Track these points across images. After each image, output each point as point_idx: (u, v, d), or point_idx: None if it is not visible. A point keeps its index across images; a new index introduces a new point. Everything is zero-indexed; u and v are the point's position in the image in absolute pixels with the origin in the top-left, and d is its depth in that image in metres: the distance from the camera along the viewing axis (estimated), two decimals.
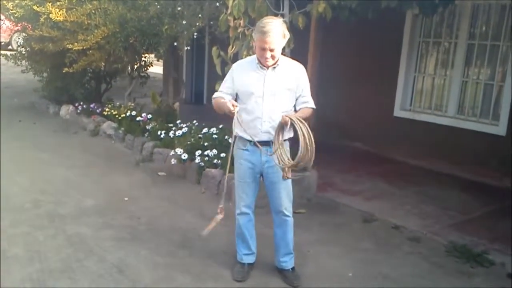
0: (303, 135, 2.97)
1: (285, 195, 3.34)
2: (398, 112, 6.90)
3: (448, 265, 3.83)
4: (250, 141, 3.25)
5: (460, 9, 6.21)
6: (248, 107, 3.20)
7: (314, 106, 3.33)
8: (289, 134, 3.23)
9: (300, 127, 2.99)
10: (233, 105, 3.07)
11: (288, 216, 3.41)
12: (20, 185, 5.14)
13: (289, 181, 3.32)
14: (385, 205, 5.05)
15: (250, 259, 3.55)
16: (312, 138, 2.98)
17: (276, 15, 4.38)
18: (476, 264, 3.82)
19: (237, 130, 3.30)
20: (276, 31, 3.01)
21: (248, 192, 3.40)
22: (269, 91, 3.16)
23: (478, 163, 5.93)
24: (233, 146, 3.30)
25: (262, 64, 3.17)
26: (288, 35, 3.13)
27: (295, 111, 3.27)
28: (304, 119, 3.20)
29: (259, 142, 3.20)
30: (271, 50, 3.06)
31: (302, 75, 3.28)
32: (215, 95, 3.36)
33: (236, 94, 3.29)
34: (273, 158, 3.15)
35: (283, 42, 3.12)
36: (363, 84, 7.14)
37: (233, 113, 3.07)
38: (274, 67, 3.18)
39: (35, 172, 5.62)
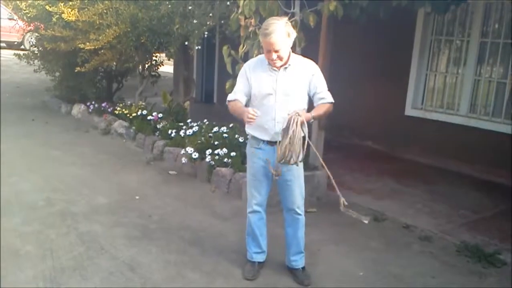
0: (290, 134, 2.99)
1: (298, 193, 3.34)
2: (409, 111, 6.86)
3: (460, 265, 3.81)
4: (263, 140, 3.26)
5: (472, 7, 6.16)
6: (261, 108, 3.17)
7: (332, 100, 3.26)
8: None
9: (292, 126, 3.00)
10: (252, 115, 2.98)
11: (300, 215, 3.41)
12: (33, 183, 5.19)
13: (302, 179, 3.33)
14: (396, 204, 5.04)
15: (260, 258, 3.55)
16: (298, 137, 2.99)
17: (287, 13, 4.38)
18: (488, 264, 3.80)
19: (249, 130, 3.31)
20: (278, 32, 2.98)
21: (261, 191, 3.40)
22: (282, 91, 3.15)
23: (490, 163, 5.88)
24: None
25: (271, 65, 3.16)
26: (294, 34, 3.09)
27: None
28: (322, 115, 3.24)
29: (272, 142, 3.22)
30: (276, 51, 3.04)
31: (315, 72, 3.26)
32: (231, 97, 3.29)
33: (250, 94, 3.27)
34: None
35: (289, 41, 3.09)
36: (374, 82, 7.11)
37: (251, 122, 3.01)
38: (286, 67, 3.17)
39: (48, 170, 5.67)
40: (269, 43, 3.00)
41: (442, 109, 6.61)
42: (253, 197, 3.43)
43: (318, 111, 3.21)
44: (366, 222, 3.62)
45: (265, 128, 3.21)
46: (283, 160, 3.05)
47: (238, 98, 3.25)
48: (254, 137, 3.32)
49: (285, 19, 3.15)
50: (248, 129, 3.35)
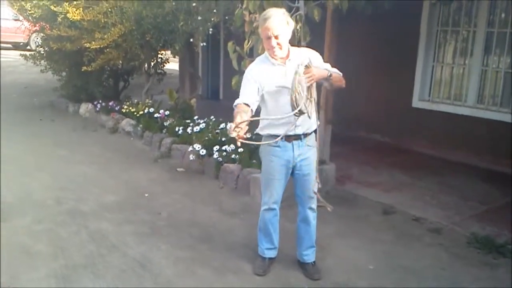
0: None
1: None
2: (416, 103, 6.83)
3: (470, 256, 3.80)
4: (280, 136, 3.17)
5: None
6: (278, 104, 3.13)
7: (341, 74, 3.23)
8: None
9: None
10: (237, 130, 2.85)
11: (314, 209, 3.42)
12: (42, 182, 5.23)
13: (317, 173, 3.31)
14: (405, 196, 5.02)
15: (272, 254, 3.55)
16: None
17: (291, 8, 4.37)
18: (498, 255, 3.79)
19: (267, 130, 3.23)
20: (277, 16, 2.96)
21: (278, 189, 3.35)
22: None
23: (499, 153, 5.84)
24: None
25: (272, 57, 3.12)
26: (292, 24, 3.06)
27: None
28: (337, 77, 3.20)
29: (293, 136, 3.17)
30: (276, 37, 2.99)
31: (313, 55, 3.19)
32: (236, 101, 3.14)
33: (262, 96, 3.19)
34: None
35: (288, 30, 3.05)
36: (381, 75, 7.08)
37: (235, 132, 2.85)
38: (290, 59, 3.14)
39: (56, 169, 5.71)
40: (268, 28, 2.96)
41: (449, 101, 6.57)
42: (270, 195, 3.37)
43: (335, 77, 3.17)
44: (329, 210, 3.48)
45: (284, 124, 3.09)
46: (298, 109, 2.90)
47: (244, 101, 3.10)
48: (270, 135, 3.22)
49: (283, 9, 3.13)
50: (264, 129, 3.25)
